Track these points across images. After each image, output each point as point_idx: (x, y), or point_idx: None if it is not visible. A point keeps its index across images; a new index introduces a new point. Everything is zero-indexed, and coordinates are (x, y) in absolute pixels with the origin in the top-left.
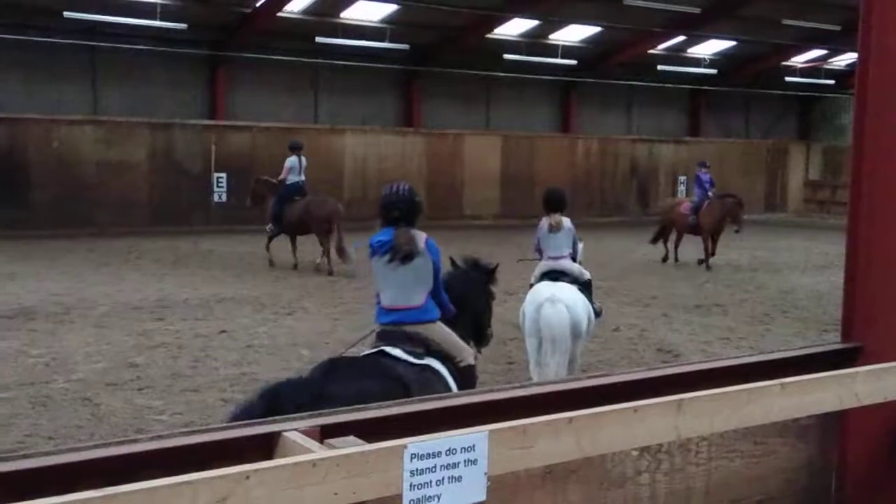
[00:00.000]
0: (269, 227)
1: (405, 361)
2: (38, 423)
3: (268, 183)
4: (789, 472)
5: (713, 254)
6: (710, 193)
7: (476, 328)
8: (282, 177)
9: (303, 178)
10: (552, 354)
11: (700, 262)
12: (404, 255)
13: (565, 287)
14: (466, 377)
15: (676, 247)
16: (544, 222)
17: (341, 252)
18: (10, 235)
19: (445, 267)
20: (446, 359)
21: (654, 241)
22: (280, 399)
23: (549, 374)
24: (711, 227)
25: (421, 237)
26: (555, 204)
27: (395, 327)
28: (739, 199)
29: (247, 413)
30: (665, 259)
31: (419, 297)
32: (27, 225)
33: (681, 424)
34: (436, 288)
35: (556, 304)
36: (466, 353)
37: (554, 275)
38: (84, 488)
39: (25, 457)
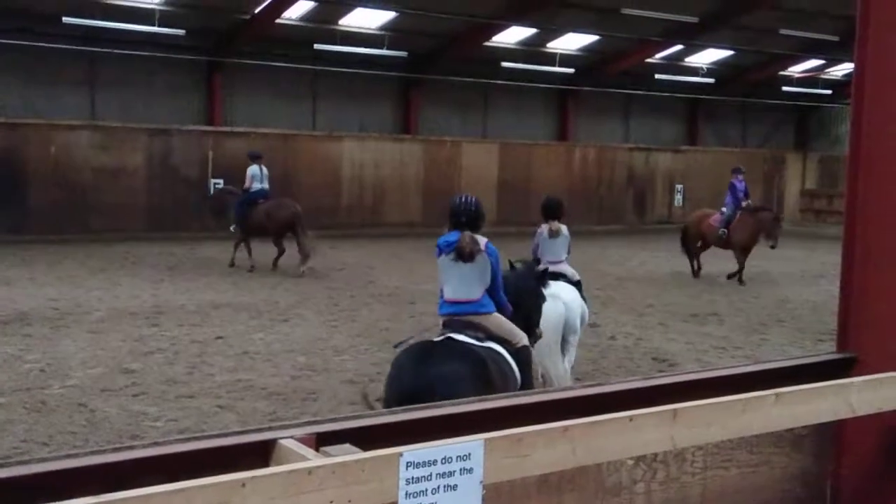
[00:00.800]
0: (232, 227)
1: (472, 344)
2: (34, 429)
3: (232, 193)
4: (784, 481)
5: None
6: (743, 204)
7: (526, 325)
8: (246, 185)
9: (266, 185)
10: (572, 342)
11: (729, 277)
12: (467, 254)
13: (564, 286)
14: (523, 356)
15: (697, 258)
16: (544, 228)
17: (303, 252)
18: (8, 240)
19: (504, 268)
20: (503, 342)
21: (687, 251)
22: (404, 382)
23: (559, 366)
24: (743, 242)
25: (482, 241)
26: (554, 211)
27: (456, 317)
28: (777, 215)
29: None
30: (697, 273)
31: (477, 292)
32: (24, 230)
33: (676, 434)
34: (494, 286)
35: (556, 300)
36: (520, 336)
37: (553, 276)
38: (80, 495)
39: (21, 463)
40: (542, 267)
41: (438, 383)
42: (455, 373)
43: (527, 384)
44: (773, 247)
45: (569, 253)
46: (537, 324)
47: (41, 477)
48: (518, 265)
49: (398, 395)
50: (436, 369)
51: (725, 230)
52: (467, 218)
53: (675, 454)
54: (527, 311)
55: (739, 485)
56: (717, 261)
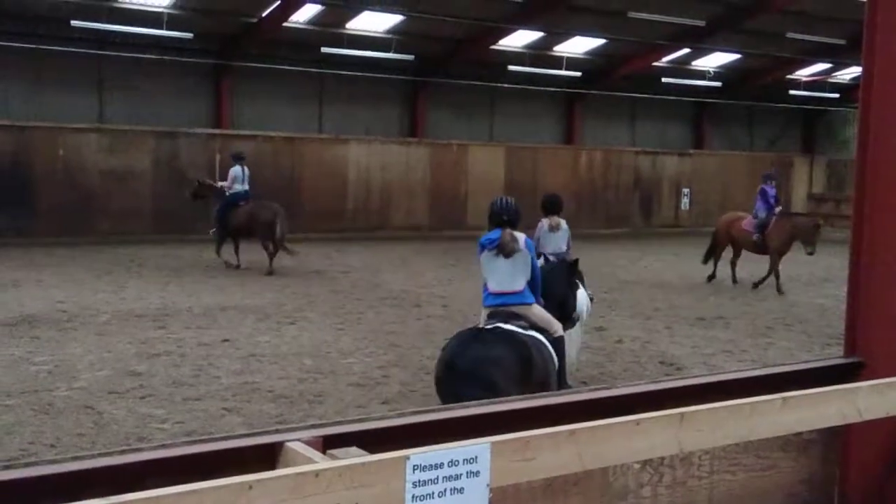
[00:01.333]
0: (211, 231)
1: (517, 332)
2: (41, 431)
3: (211, 187)
4: (791, 486)
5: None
6: (776, 210)
7: (562, 311)
8: (227, 185)
9: (247, 186)
10: (581, 327)
11: (756, 285)
12: (509, 250)
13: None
14: (558, 345)
15: (734, 263)
16: (545, 223)
17: (283, 248)
18: (16, 243)
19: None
20: (542, 332)
21: (707, 259)
22: (456, 362)
23: (572, 352)
24: (780, 246)
25: (521, 237)
26: (553, 207)
27: (502, 308)
28: (816, 221)
29: (441, 380)
30: (711, 278)
31: (519, 284)
32: (32, 232)
33: (683, 438)
34: (534, 278)
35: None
36: (557, 326)
37: None
38: (88, 497)
39: (29, 465)
40: (572, 258)
41: (487, 364)
42: (502, 356)
43: (561, 369)
44: (810, 253)
45: (569, 247)
46: (574, 309)
47: (50, 479)
48: (551, 258)
49: (449, 373)
50: (484, 352)
51: (760, 235)
52: (508, 216)
53: (682, 458)
54: (562, 300)
55: (746, 489)
56: (725, 266)
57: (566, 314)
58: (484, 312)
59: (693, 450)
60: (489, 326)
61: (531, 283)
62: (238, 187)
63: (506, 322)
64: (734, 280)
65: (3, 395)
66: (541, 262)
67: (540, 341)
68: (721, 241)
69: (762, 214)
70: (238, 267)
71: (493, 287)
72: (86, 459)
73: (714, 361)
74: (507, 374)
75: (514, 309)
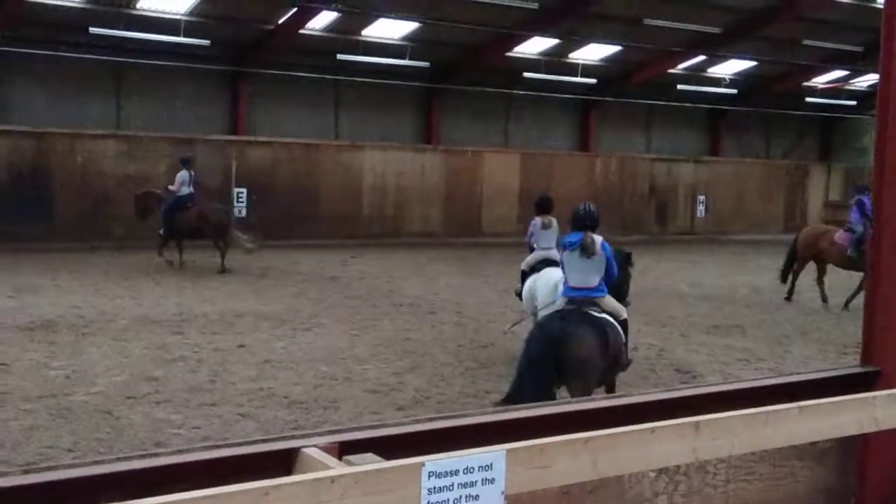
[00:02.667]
0: (160, 231)
1: (595, 315)
2: (59, 436)
3: (152, 194)
4: (808, 496)
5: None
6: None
7: (617, 295)
8: (174, 188)
9: (192, 189)
10: None
11: (847, 304)
12: (590, 252)
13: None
14: (625, 327)
15: (821, 281)
16: (538, 221)
17: (236, 243)
18: (35, 248)
19: None
20: (612, 315)
21: (784, 276)
22: (551, 332)
23: None
24: None
25: (598, 240)
26: (546, 207)
27: (578, 299)
28: None
29: (533, 352)
30: (790, 296)
31: (595, 281)
32: (50, 238)
33: (699, 446)
34: (608, 274)
35: (557, 272)
36: (623, 311)
37: (549, 262)
38: (107, 501)
39: (49, 469)
40: (627, 251)
41: (577, 340)
42: (586, 331)
43: (626, 345)
44: None
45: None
46: (626, 294)
47: (69, 483)
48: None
49: (542, 344)
50: (572, 328)
51: (857, 250)
52: (591, 221)
53: (698, 467)
54: (618, 285)
55: (762, 498)
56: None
57: (621, 297)
58: (561, 301)
59: (709, 458)
60: (571, 308)
61: (606, 279)
62: (185, 190)
63: (583, 308)
64: (825, 299)
65: (22, 399)
66: (532, 256)
67: (612, 322)
68: (804, 255)
69: (859, 228)
70: (181, 265)
71: (573, 283)
72: (105, 464)
73: (730, 370)
74: (592, 348)
75: (591, 300)
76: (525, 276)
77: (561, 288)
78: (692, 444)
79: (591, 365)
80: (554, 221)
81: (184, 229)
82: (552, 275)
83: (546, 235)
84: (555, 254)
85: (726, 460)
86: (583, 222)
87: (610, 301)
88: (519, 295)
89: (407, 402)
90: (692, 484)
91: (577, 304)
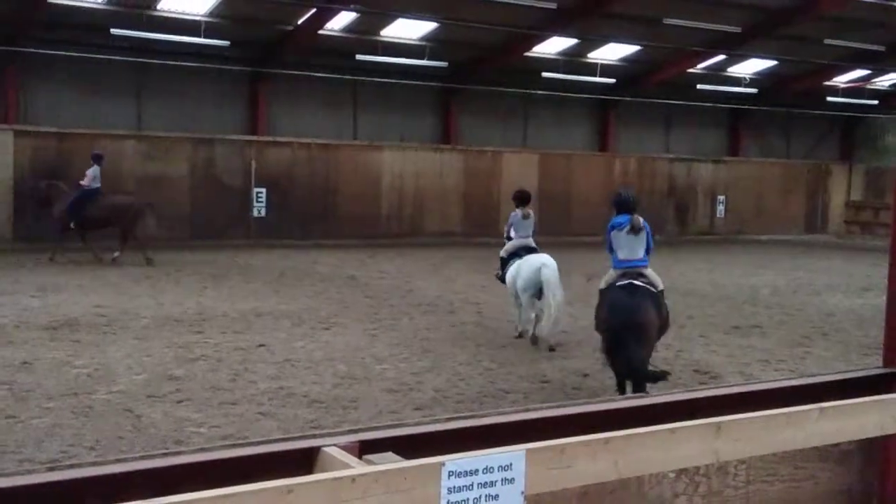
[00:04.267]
0: (71, 224)
1: (646, 287)
2: (81, 433)
3: (58, 188)
4: (829, 497)
5: None
6: None
7: None
8: (86, 183)
9: (99, 184)
10: (553, 299)
11: None
12: (637, 229)
13: (546, 255)
14: (663, 297)
15: None
16: (518, 213)
17: (146, 240)
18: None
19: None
20: (654, 286)
21: None
22: (622, 303)
23: (550, 315)
24: None
25: (641, 220)
26: (525, 200)
27: (629, 269)
28: None
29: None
30: None
31: (641, 253)
32: (73, 238)
33: (720, 447)
34: (648, 248)
35: (548, 266)
36: (660, 282)
37: (529, 249)
38: (129, 498)
39: (73, 467)
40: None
41: (642, 308)
42: (646, 300)
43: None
44: None
45: (535, 232)
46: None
47: (92, 480)
48: (520, 240)
49: (617, 315)
50: (636, 299)
51: None
52: (633, 205)
53: (718, 468)
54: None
55: (783, 500)
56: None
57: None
58: (613, 273)
59: (729, 459)
60: (625, 283)
61: (647, 251)
62: (95, 184)
63: (635, 279)
64: None
65: (44, 397)
66: (511, 243)
67: (658, 292)
68: None
69: None
70: (95, 257)
71: (623, 256)
72: (127, 462)
73: (750, 371)
74: (652, 313)
75: (638, 270)
76: (504, 262)
77: (620, 256)
78: (713, 445)
79: (654, 329)
80: (531, 213)
81: (93, 219)
82: (534, 260)
83: (525, 225)
84: (531, 242)
85: (747, 461)
86: (627, 206)
87: (651, 272)
88: (500, 279)
89: (426, 401)
90: (712, 485)
91: (628, 275)
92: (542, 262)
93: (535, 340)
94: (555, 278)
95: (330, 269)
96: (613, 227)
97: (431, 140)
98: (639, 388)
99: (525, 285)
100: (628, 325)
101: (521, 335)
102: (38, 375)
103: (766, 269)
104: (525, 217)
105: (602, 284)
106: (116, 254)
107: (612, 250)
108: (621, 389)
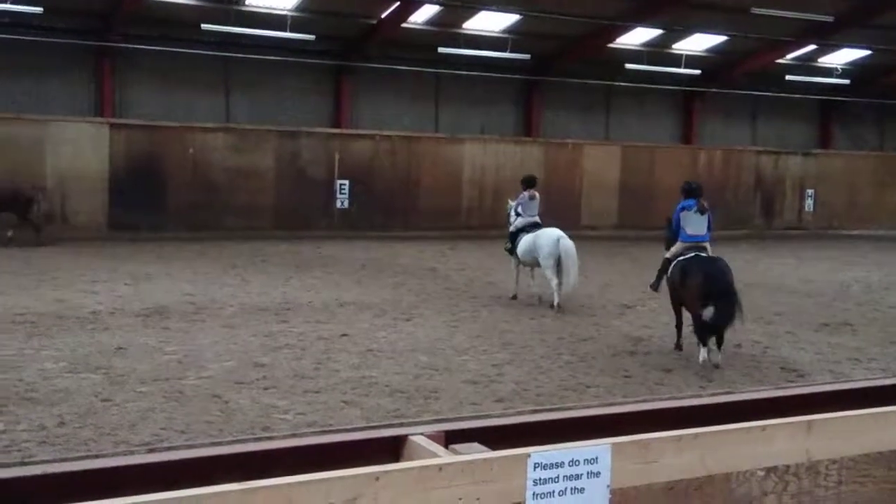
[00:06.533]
0: None
1: (718, 257)
2: (172, 418)
3: None
4: None
5: None
6: None
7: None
8: None
9: None
10: (573, 267)
11: None
12: (703, 210)
13: (558, 230)
14: None
15: None
16: (525, 194)
17: (37, 228)
18: (150, 238)
19: None
20: None
21: None
22: (710, 269)
23: (571, 280)
24: None
25: (705, 202)
26: (532, 183)
27: (695, 244)
28: None
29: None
30: None
31: (704, 230)
32: (164, 228)
33: (811, 446)
34: (710, 226)
35: (564, 238)
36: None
37: (536, 225)
38: (222, 481)
39: (169, 449)
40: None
41: (726, 269)
42: (725, 264)
43: None
44: None
45: (540, 212)
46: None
47: (187, 463)
48: (528, 219)
49: (714, 278)
50: (720, 264)
51: None
52: (700, 191)
53: (808, 467)
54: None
55: (875, 501)
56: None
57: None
58: (681, 245)
59: (821, 459)
60: (702, 255)
61: (709, 229)
62: None
63: (701, 252)
64: None
65: (138, 381)
66: (520, 220)
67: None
68: None
69: None
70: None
71: (691, 232)
72: (222, 445)
73: (840, 369)
74: (732, 277)
75: (702, 245)
76: (513, 236)
77: (689, 232)
78: (804, 443)
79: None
80: (537, 195)
81: None
82: (551, 233)
83: (531, 205)
84: (537, 219)
85: (839, 461)
86: (695, 192)
87: (709, 246)
88: (510, 251)
89: (506, 393)
90: (802, 485)
91: (694, 249)
92: (560, 235)
93: (558, 307)
94: (572, 249)
95: (411, 261)
96: (683, 209)
97: (513, 132)
98: (720, 337)
99: (547, 254)
100: (726, 285)
101: (514, 297)
102: (132, 360)
103: (857, 265)
104: (531, 198)
105: (668, 254)
106: (10, 233)
107: (678, 228)
108: (680, 346)
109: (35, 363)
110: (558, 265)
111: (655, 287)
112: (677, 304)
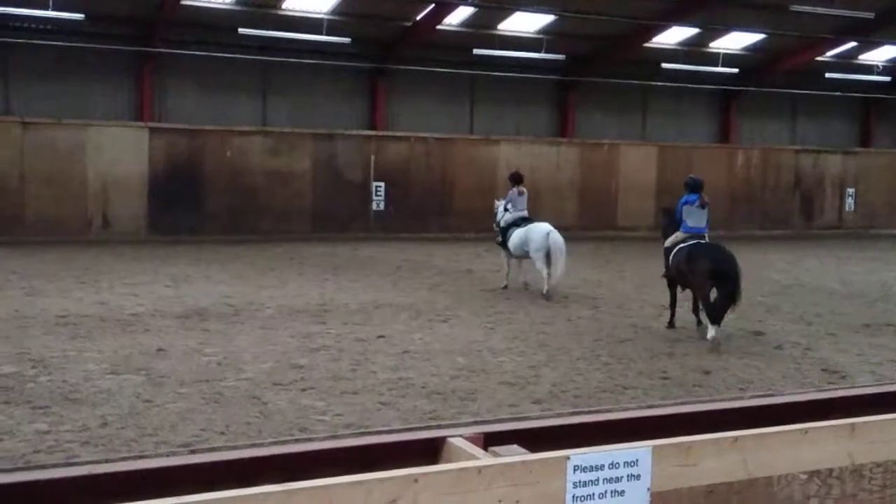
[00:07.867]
0: None
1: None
2: (212, 419)
3: None
4: None
5: None
6: None
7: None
8: None
9: None
10: (561, 259)
11: None
12: (705, 205)
13: (548, 224)
14: None
15: None
16: (515, 190)
17: None
18: (189, 240)
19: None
20: None
21: None
22: (716, 255)
23: (559, 271)
24: None
25: (706, 197)
26: (520, 180)
27: (695, 234)
28: None
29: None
30: None
31: (704, 222)
32: (203, 230)
33: (854, 449)
34: (708, 220)
35: (554, 232)
36: None
37: (525, 219)
38: (262, 482)
39: (211, 450)
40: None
41: (727, 253)
42: (727, 248)
43: None
44: None
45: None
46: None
47: (228, 464)
48: (517, 214)
49: (719, 260)
50: (722, 247)
51: None
52: (701, 186)
53: (852, 470)
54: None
55: None
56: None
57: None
58: (681, 235)
59: (864, 462)
60: (701, 242)
61: (707, 222)
62: None
63: (701, 240)
64: None
65: (178, 383)
66: (509, 215)
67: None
68: None
69: None
70: None
71: (692, 224)
72: (262, 447)
73: (882, 371)
74: (737, 262)
75: (702, 235)
76: (504, 230)
77: (690, 224)
78: (847, 446)
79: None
80: (525, 190)
81: None
82: (542, 227)
83: (521, 200)
84: (526, 213)
85: (883, 465)
86: (697, 187)
87: (707, 237)
88: (500, 244)
89: (543, 395)
90: (846, 488)
91: (696, 237)
92: (549, 230)
93: (549, 296)
94: (561, 242)
95: (446, 263)
96: (686, 202)
97: (548, 133)
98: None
99: (538, 247)
100: (730, 266)
101: (506, 287)
102: (172, 362)
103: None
104: (520, 194)
105: (668, 243)
106: None
107: (680, 219)
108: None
109: (78, 364)
110: (548, 257)
111: (666, 274)
112: (675, 287)
